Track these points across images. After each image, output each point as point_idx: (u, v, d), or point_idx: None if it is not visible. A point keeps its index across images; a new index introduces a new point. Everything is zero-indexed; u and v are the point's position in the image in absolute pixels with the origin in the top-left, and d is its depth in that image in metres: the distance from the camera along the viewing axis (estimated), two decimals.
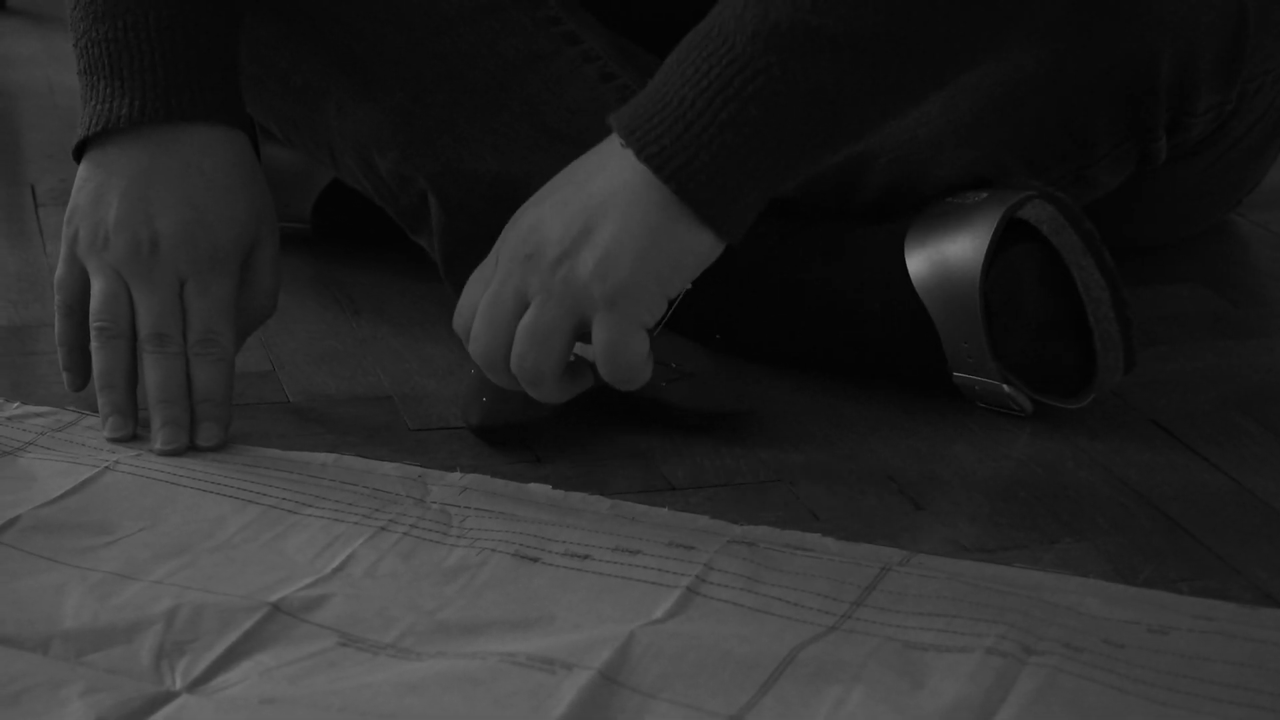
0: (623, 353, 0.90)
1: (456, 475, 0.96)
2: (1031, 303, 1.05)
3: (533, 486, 0.95)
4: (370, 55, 1.14)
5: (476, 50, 1.13)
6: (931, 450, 1.03)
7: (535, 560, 0.87)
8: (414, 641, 0.79)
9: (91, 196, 1.01)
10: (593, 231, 0.88)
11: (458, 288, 1.17)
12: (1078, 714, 0.74)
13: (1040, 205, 1.05)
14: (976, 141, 1.12)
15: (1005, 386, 1.06)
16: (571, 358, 1.01)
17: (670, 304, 1.08)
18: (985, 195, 1.07)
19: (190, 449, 0.98)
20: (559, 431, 1.04)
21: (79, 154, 1.03)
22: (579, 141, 1.13)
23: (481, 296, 0.93)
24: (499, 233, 1.14)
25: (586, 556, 0.87)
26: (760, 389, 1.11)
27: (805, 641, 0.79)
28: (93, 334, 1.00)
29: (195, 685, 0.75)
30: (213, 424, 0.99)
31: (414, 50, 1.13)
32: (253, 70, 1.16)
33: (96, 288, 1.00)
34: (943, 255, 1.05)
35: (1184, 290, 1.30)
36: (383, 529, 0.89)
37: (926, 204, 1.11)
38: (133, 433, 0.99)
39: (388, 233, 1.24)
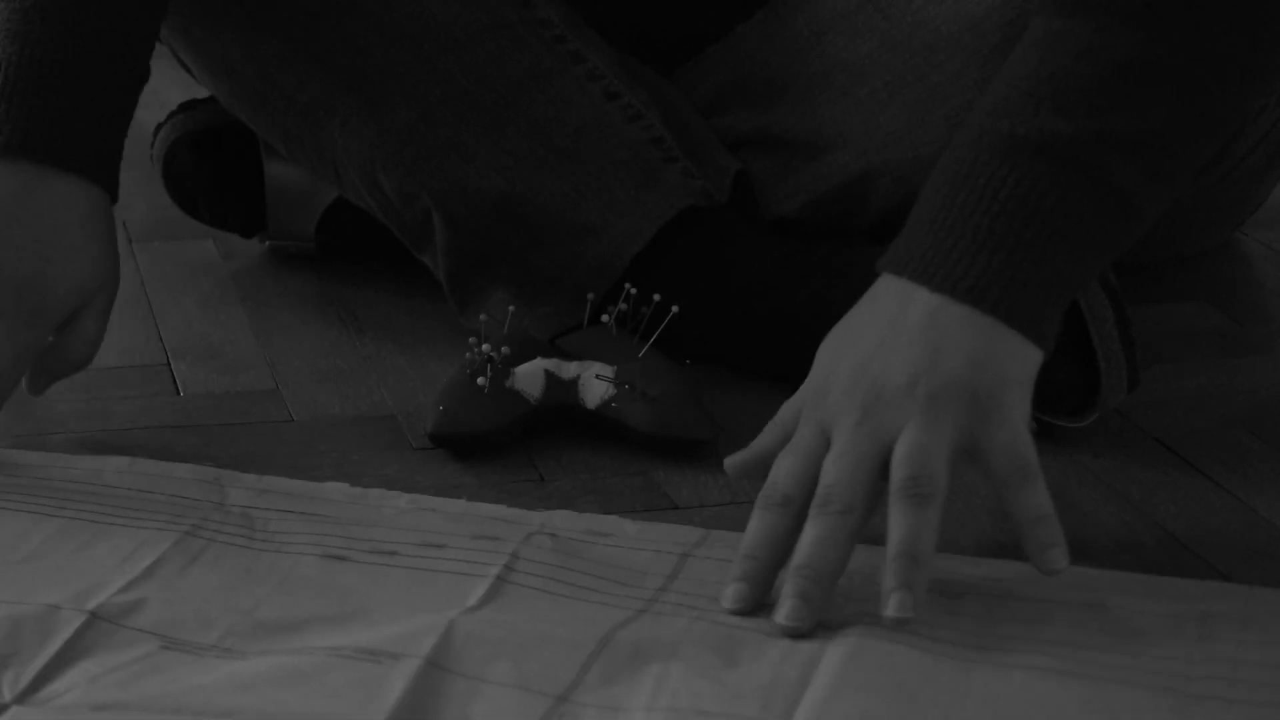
0: (1024, 443, 0.84)
1: (253, 478, 0.96)
2: None
3: (329, 485, 0.96)
4: (377, 73, 1.14)
5: (483, 69, 1.14)
6: None
7: (343, 559, 0.88)
8: (236, 641, 0.80)
9: None
10: (941, 354, 0.84)
11: (462, 305, 1.17)
12: (890, 675, 0.77)
13: None
14: None
15: None
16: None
17: (665, 319, 1.08)
18: None
19: None
20: (562, 450, 1.04)
21: None
22: (584, 160, 1.14)
23: (813, 456, 0.85)
24: (502, 250, 1.15)
25: (393, 553, 0.88)
26: (755, 408, 1.11)
27: (620, 624, 0.82)
28: None
29: (24, 696, 0.76)
30: None
31: (421, 69, 1.14)
32: (258, 87, 1.17)
33: None
34: None
35: (1188, 308, 1.30)
36: (188, 534, 0.90)
37: None
38: None
39: (392, 250, 1.24)
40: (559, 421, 1.06)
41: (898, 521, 0.81)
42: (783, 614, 0.81)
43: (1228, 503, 0.99)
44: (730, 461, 0.91)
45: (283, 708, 0.74)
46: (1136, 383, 1.05)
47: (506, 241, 1.15)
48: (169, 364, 1.16)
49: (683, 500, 0.99)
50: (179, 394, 1.12)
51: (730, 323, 1.14)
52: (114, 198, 1.03)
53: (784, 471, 0.85)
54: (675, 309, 1.09)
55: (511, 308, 1.12)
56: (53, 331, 1.00)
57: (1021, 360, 0.86)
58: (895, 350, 0.85)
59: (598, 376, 1.05)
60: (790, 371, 1.13)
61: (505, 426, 1.03)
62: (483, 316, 1.10)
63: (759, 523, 0.84)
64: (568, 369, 1.06)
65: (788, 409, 0.89)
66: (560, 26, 1.16)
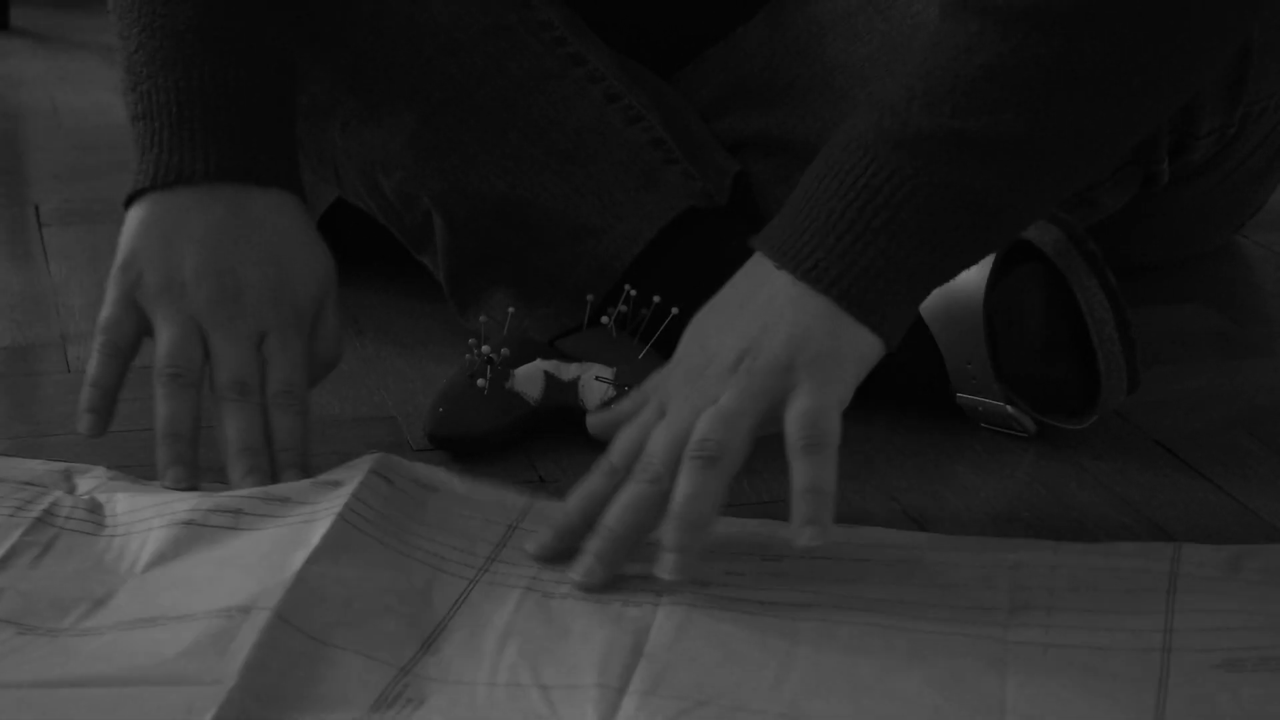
0: (826, 418, 0.86)
1: (102, 470, 0.97)
2: (1035, 323, 1.05)
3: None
4: (378, 76, 1.14)
5: (485, 71, 1.14)
6: (935, 470, 1.03)
7: (189, 524, 0.89)
8: (92, 623, 0.81)
9: (160, 242, 0.99)
10: (768, 331, 0.87)
11: (462, 306, 1.17)
12: (720, 645, 0.80)
13: (1044, 226, 1.05)
14: None
15: (1008, 407, 1.06)
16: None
17: (664, 321, 1.08)
18: None
19: None
20: (561, 451, 1.04)
21: (131, 201, 1.01)
22: (584, 162, 1.14)
23: (646, 429, 0.89)
24: (502, 251, 1.15)
25: (239, 511, 0.89)
26: None
27: (456, 599, 0.84)
28: (160, 381, 0.96)
29: None
30: (294, 471, 0.97)
31: (423, 71, 1.14)
32: None
33: (167, 334, 0.97)
34: None
35: (1188, 310, 1.30)
36: (39, 520, 0.91)
37: None
38: (195, 485, 0.96)
39: (392, 252, 1.24)
40: (559, 423, 1.06)
41: (683, 485, 0.84)
42: (578, 570, 0.85)
43: (1227, 504, 0.99)
44: (592, 419, 0.95)
45: (136, 670, 0.76)
46: (1137, 384, 1.05)
47: (506, 243, 1.15)
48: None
49: None
50: None
51: None
52: (305, 200, 1.04)
53: (619, 442, 0.89)
54: (675, 311, 1.09)
55: (511, 309, 1.12)
56: (308, 333, 1.01)
57: (851, 343, 0.87)
58: (729, 327, 0.88)
59: (597, 378, 1.05)
60: None
61: (505, 428, 1.03)
62: (482, 318, 1.10)
63: (588, 485, 0.88)
64: (567, 370, 1.06)
65: (651, 379, 0.92)
66: (561, 28, 1.16)
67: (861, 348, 0.88)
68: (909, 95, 0.88)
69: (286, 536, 0.86)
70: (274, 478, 0.96)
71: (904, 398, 1.10)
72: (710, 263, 1.14)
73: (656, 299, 1.10)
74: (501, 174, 1.14)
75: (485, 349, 1.05)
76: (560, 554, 0.87)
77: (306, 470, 0.97)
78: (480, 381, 1.04)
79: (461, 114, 1.14)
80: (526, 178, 1.14)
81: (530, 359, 1.07)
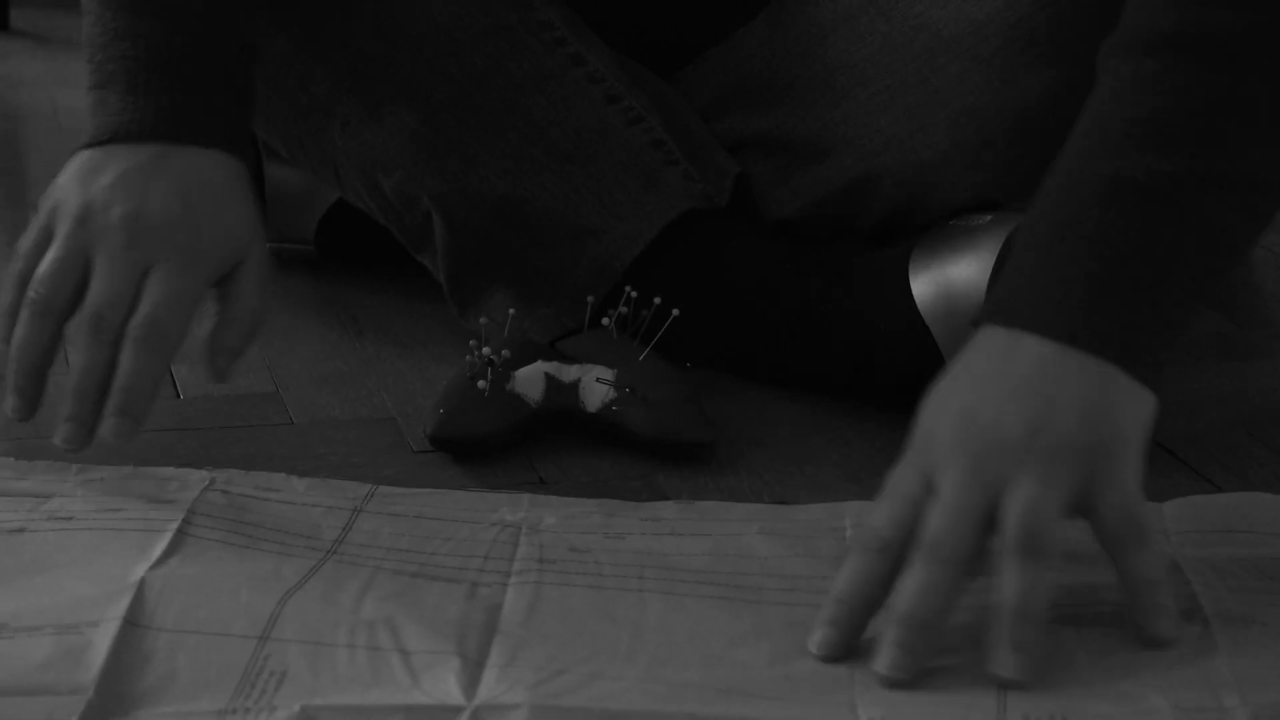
0: (1137, 502, 0.81)
1: None
2: None
3: None
4: (378, 76, 1.14)
5: (485, 71, 1.13)
6: None
7: (21, 531, 0.88)
8: None
9: (81, 175, 0.97)
10: (1055, 406, 0.81)
11: (462, 307, 1.17)
12: (567, 616, 0.82)
13: None
14: (981, 164, 1.12)
15: None
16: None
17: (665, 322, 1.08)
18: (990, 217, 1.07)
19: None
20: (562, 453, 1.04)
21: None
22: (584, 163, 1.14)
23: (915, 504, 0.81)
24: (502, 252, 1.15)
25: (70, 518, 0.89)
26: (756, 411, 1.11)
27: (308, 572, 0.85)
28: (24, 303, 0.93)
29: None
30: (125, 419, 0.91)
31: (423, 71, 1.14)
32: (259, 89, 1.17)
33: (51, 254, 0.94)
34: (947, 277, 1.05)
35: None
36: None
37: (931, 226, 1.11)
38: (29, 418, 0.94)
39: (392, 253, 1.24)
40: (559, 425, 1.05)
41: (1012, 578, 0.78)
42: (885, 664, 0.77)
43: None
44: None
45: None
46: None
47: (506, 243, 1.15)
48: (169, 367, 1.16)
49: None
50: (179, 397, 1.11)
51: (731, 326, 1.14)
52: (254, 173, 1.02)
53: (884, 517, 0.81)
54: (676, 312, 1.09)
55: (511, 310, 1.11)
56: (210, 288, 0.97)
57: (1136, 411, 0.83)
58: (1005, 400, 0.82)
59: (598, 380, 1.05)
60: (791, 374, 1.14)
61: (506, 430, 1.03)
62: (483, 319, 1.10)
63: (855, 566, 0.81)
64: (568, 372, 1.06)
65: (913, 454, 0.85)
66: (561, 29, 1.16)
67: (1145, 413, 0.83)
68: (1134, 140, 0.85)
69: (125, 548, 0.86)
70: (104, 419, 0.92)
71: (905, 400, 1.10)
72: (711, 264, 1.14)
73: (657, 300, 1.10)
74: (501, 174, 1.14)
75: (486, 350, 1.05)
76: (846, 649, 0.80)
77: (139, 422, 0.92)
78: (481, 383, 1.03)
79: (462, 114, 1.14)
80: (526, 178, 1.14)
81: (531, 361, 1.06)
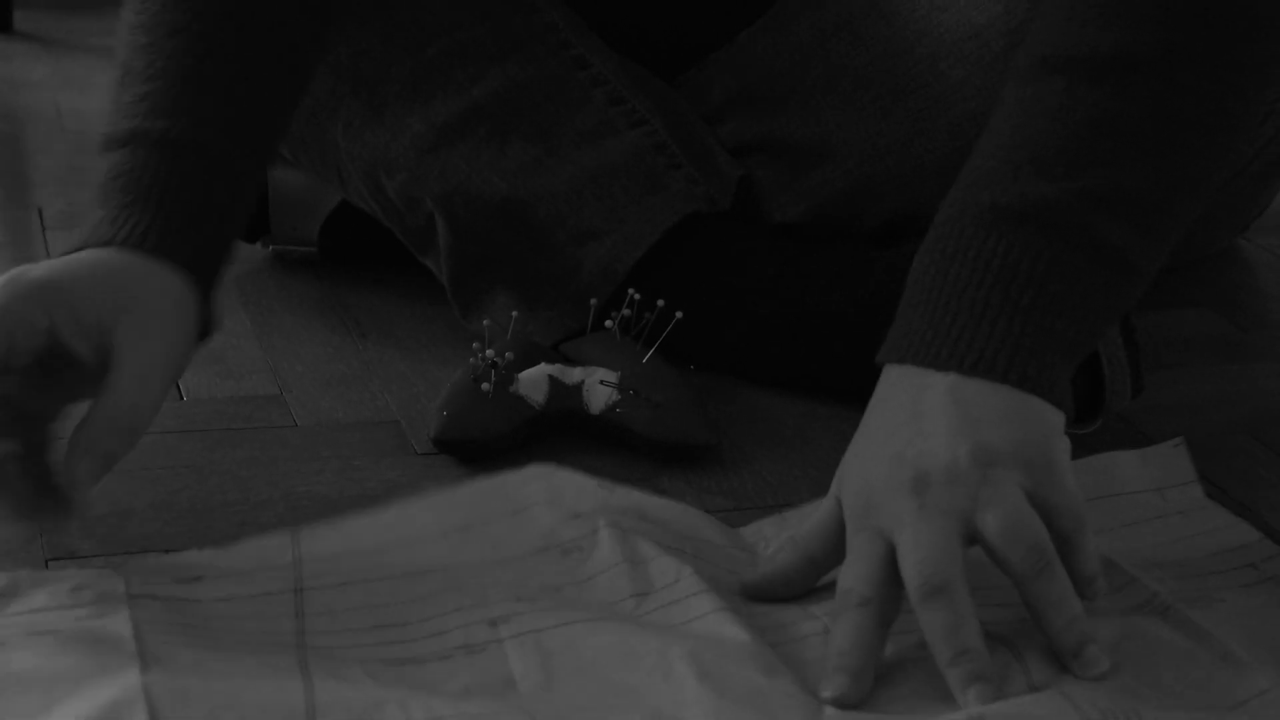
0: (1077, 498, 0.82)
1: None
2: None
3: None
4: (381, 77, 1.14)
5: (488, 74, 1.14)
6: None
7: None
8: None
9: None
10: (977, 421, 0.82)
11: (465, 309, 1.17)
12: (584, 670, 0.78)
13: None
14: None
15: None
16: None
17: (669, 325, 1.08)
18: None
19: None
20: (566, 455, 1.04)
21: None
22: (586, 165, 1.14)
23: (872, 561, 0.81)
24: (505, 254, 1.15)
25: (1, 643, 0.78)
26: (760, 413, 1.11)
27: (297, 665, 0.78)
28: None
29: None
30: None
31: (425, 73, 1.14)
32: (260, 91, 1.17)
33: None
34: None
35: (1191, 314, 1.30)
36: None
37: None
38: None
39: (395, 254, 1.25)
40: (563, 427, 1.06)
41: (1041, 593, 0.79)
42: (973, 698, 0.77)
43: (1233, 508, 0.99)
44: (746, 584, 0.87)
45: None
46: (1141, 389, 1.05)
47: (509, 245, 1.15)
48: None
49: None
50: (182, 399, 1.12)
51: (734, 328, 1.14)
52: (208, 283, 0.92)
53: (856, 578, 0.81)
54: (679, 314, 1.09)
55: (515, 313, 1.12)
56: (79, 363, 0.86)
57: (1049, 419, 0.84)
58: (927, 436, 0.82)
59: (602, 382, 1.05)
60: (794, 376, 1.14)
61: (509, 432, 1.03)
62: (486, 321, 1.10)
63: (846, 625, 0.80)
64: (571, 374, 1.06)
65: (812, 540, 0.86)
66: (565, 32, 1.16)
67: (1056, 424, 0.84)
68: (1012, 166, 0.86)
69: (95, 660, 0.76)
70: None
71: None
72: (714, 267, 1.14)
73: (660, 303, 1.10)
74: (504, 176, 1.14)
75: (489, 353, 1.05)
76: (861, 697, 0.79)
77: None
78: (485, 385, 1.04)
79: (465, 116, 1.14)
80: (529, 180, 1.14)
81: (534, 363, 1.07)
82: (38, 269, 0.86)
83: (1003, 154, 0.87)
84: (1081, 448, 1.06)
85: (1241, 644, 0.81)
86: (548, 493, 0.92)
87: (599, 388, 1.05)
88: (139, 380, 0.85)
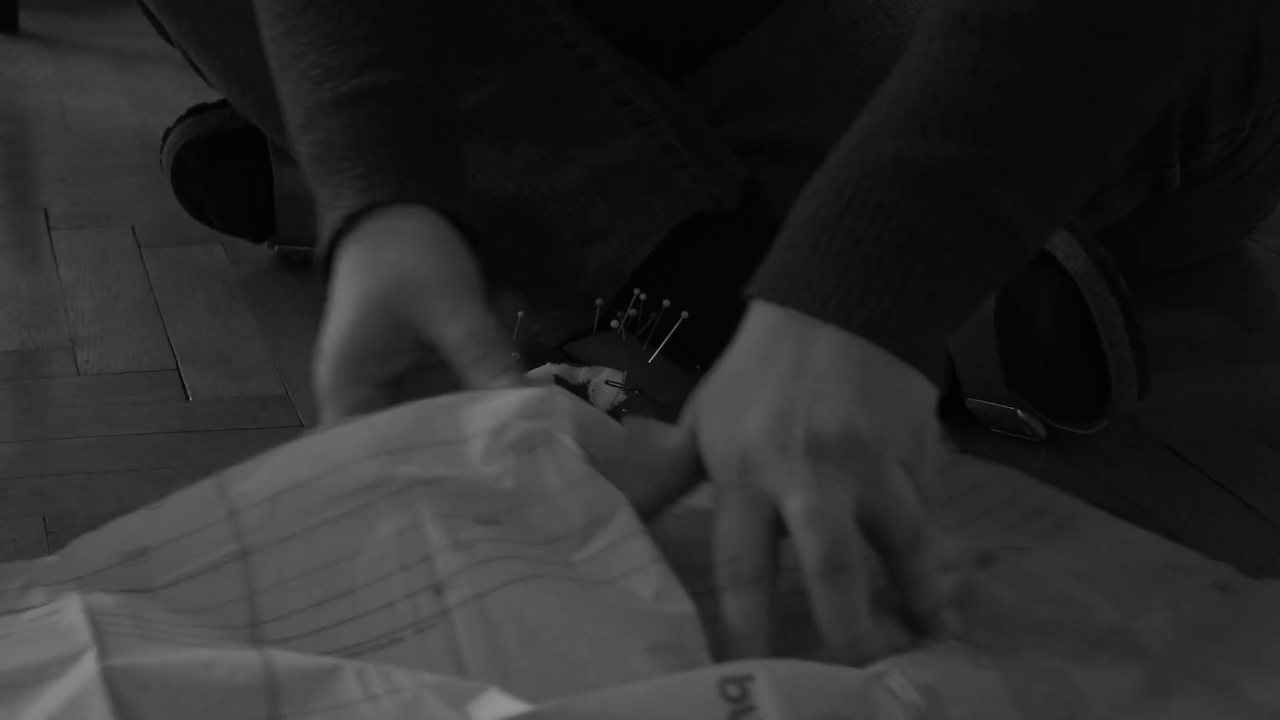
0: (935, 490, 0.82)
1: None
2: (1045, 328, 1.05)
3: None
4: None
5: (494, 75, 1.14)
6: None
7: None
8: None
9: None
10: (868, 394, 0.79)
11: None
12: (531, 637, 0.76)
13: (1056, 231, 1.05)
14: None
15: (1019, 412, 1.05)
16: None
17: (674, 325, 1.08)
18: None
19: None
20: None
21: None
22: (592, 165, 1.14)
23: (762, 531, 0.79)
24: (510, 254, 1.15)
25: None
26: None
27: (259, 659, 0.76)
28: None
29: None
30: None
31: None
32: (269, 90, 1.17)
33: None
34: None
35: (1197, 315, 1.30)
36: None
37: None
38: None
39: None
40: None
41: (913, 572, 0.79)
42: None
43: (1238, 509, 0.99)
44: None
45: None
46: (1147, 389, 1.05)
47: (515, 246, 1.15)
48: (178, 369, 1.16)
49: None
50: (188, 399, 1.12)
51: (739, 328, 1.14)
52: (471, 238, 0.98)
53: (743, 545, 0.78)
54: (685, 315, 1.09)
55: (520, 313, 1.12)
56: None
57: (928, 397, 0.82)
58: (822, 398, 0.79)
59: (607, 382, 1.05)
60: None
61: None
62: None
63: (744, 604, 0.77)
64: (577, 374, 1.06)
65: (664, 471, 0.84)
66: (570, 32, 1.16)
67: (932, 403, 0.82)
68: (920, 120, 0.83)
69: (53, 656, 0.74)
70: None
71: None
72: (719, 267, 1.14)
73: (666, 303, 1.10)
74: (509, 176, 1.14)
75: None
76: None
77: None
78: None
79: (470, 117, 1.14)
80: (534, 180, 1.14)
81: (540, 363, 1.06)
82: (390, 283, 0.93)
83: (909, 105, 0.84)
84: (1089, 448, 1.06)
85: (1075, 585, 0.81)
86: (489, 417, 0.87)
87: (604, 388, 1.05)
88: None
